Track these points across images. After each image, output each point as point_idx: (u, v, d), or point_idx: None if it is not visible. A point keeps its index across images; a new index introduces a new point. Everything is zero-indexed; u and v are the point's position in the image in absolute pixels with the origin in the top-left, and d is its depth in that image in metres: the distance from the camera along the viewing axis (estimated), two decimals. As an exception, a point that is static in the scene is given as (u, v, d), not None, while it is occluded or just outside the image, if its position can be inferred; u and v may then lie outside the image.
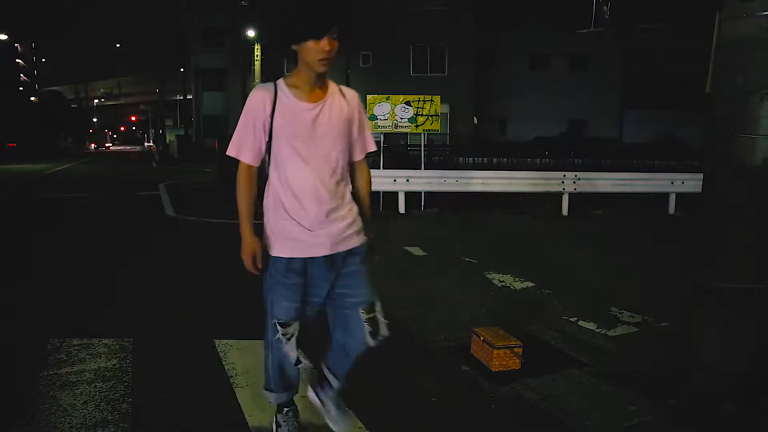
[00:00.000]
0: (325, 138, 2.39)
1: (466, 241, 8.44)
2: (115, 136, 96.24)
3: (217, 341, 4.12)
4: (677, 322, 3.52)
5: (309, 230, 2.39)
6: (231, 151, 2.45)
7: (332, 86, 2.46)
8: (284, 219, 2.41)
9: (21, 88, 67.71)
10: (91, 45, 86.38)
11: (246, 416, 3.05)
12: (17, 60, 70.12)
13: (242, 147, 2.43)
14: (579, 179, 11.39)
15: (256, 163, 2.44)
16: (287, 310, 2.50)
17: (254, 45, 29.09)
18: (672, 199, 11.56)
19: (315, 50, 2.30)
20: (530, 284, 5.88)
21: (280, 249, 2.43)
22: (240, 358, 3.85)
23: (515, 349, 3.72)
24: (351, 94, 2.51)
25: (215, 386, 3.43)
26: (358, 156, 2.58)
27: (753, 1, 2.94)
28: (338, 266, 2.49)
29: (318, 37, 2.28)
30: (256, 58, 29.28)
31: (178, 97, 48.29)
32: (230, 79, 34.89)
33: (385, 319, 2.57)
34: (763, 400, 3.02)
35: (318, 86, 2.41)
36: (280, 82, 2.43)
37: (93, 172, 25.34)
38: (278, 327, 2.52)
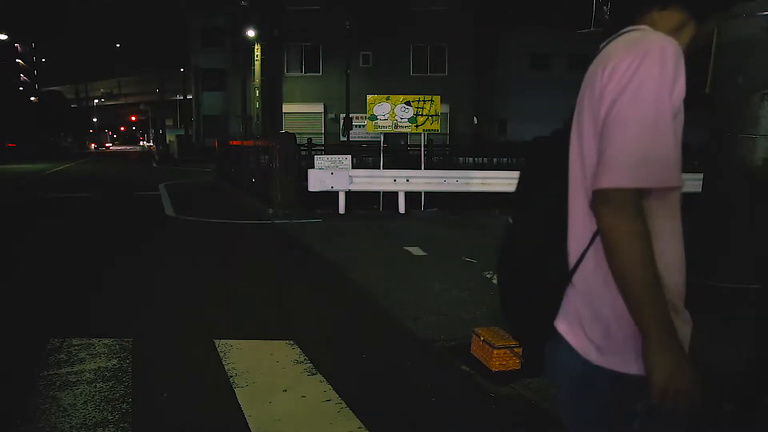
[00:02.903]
0: None
1: (466, 241, 8.43)
2: (115, 136, 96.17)
3: (217, 341, 4.11)
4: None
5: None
6: (629, 178, 1.15)
7: None
8: (680, 300, 1.29)
9: (21, 88, 67.72)
10: (91, 45, 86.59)
11: (246, 416, 3.05)
12: (17, 60, 70.13)
13: (657, 162, 1.17)
14: (579, 179, 11.38)
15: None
16: None
17: (254, 45, 29.09)
18: (672, 199, 11.56)
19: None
20: (530, 284, 5.87)
21: None
22: (240, 358, 3.85)
23: (515, 349, 3.72)
24: None
25: (215, 386, 3.43)
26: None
27: (753, 1, 2.94)
28: None
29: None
30: (256, 58, 29.27)
31: (178, 97, 48.22)
32: (230, 79, 34.90)
33: None
34: (763, 400, 3.02)
35: None
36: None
37: (93, 172, 25.34)
38: None
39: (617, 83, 1.19)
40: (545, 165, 1.47)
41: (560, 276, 1.33)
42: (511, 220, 1.45)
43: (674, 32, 1.31)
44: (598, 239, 1.23)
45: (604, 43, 1.34)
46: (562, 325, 1.34)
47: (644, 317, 1.16)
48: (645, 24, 1.31)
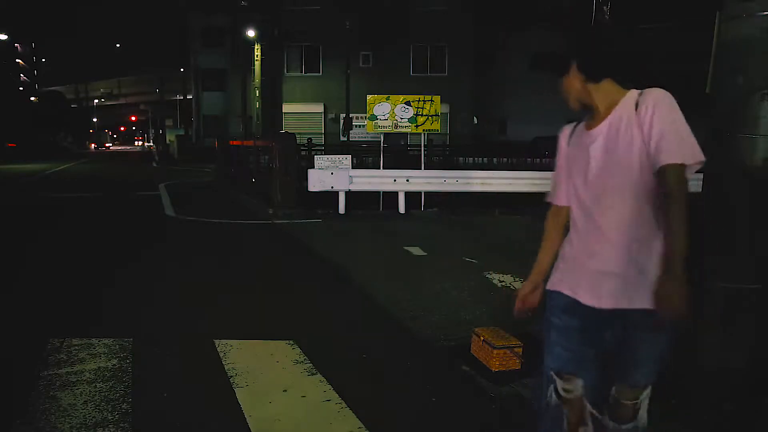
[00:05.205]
0: (600, 174, 2.02)
1: (466, 241, 8.43)
2: (115, 136, 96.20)
3: (217, 341, 4.11)
4: (677, 322, 3.51)
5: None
6: (549, 197, 2.28)
7: (619, 109, 1.99)
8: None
9: (21, 88, 67.70)
10: (91, 45, 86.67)
11: (246, 416, 3.05)
12: (17, 60, 70.10)
13: (554, 187, 2.24)
14: (579, 179, 11.37)
15: (562, 203, 2.20)
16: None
17: (254, 45, 29.09)
18: (672, 199, 11.56)
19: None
20: (530, 284, 5.87)
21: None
22: (240, 358, 3.85)
23: (515, 349, 3.72)
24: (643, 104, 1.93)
25: (215, 386, 3.43)
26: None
27: (753, 1, 2.94)
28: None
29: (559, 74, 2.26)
30: (256, 58, 29.27)
31: (178, 97, 48.24)
32: (230, 79, 34.90)
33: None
34: (763, 400, 3.02)
35: (597, 116, 2.09)
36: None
37: (93, 172, 25.35)
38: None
39: None
40: None
41: None
42: None
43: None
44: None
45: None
46: None
47: None
48: None
